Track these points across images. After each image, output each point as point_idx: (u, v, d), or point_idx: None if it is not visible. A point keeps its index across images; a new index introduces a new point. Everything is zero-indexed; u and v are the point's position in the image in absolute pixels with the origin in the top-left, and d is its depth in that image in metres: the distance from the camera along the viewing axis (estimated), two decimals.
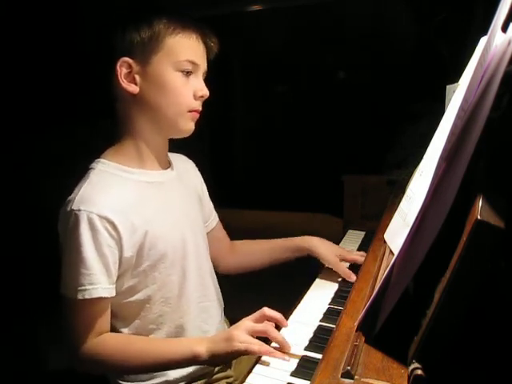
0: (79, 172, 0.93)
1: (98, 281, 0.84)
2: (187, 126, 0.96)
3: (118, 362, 0.87)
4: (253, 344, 0.80)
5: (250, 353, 0.81)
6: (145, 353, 0.87)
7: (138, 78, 0.91)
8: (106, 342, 0.87)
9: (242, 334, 0.82)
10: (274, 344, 0.85)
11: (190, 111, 0.95)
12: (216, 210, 1.20)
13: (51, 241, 0.91)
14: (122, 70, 0.91)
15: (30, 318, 2.01)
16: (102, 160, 0.94)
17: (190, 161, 1.17)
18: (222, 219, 1.21)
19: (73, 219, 0.84)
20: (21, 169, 2.29)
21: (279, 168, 2.83)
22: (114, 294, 0.88)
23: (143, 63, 0.91)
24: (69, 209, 0.85)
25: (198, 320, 1.01)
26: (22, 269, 2.17)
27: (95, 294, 0.84)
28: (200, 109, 0.97)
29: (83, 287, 0.83)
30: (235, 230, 1.23)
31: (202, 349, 0.83)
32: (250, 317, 0.88)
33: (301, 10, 2.55)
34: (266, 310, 0.88)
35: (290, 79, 2.87)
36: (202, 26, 0.97)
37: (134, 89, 0.91)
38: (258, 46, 2.69)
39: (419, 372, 0.53)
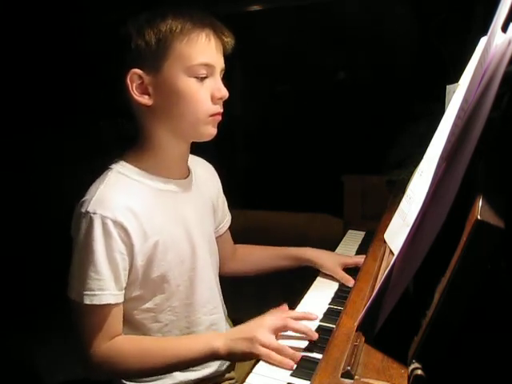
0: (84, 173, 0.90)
1: (107, 287, 0.82)
2: (208, 131, 0.90)
3: (133, 365, 0.84)
4: (274, 354, 0.78)
5: (270, 360, 0.78)
6: (161, 353, 0.84)
7: (150, 88, 0.86)
8: (120, 345, 0.84)
9: (265, 334, 0.80)
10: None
11: (210, 116, 0.89)
12: None
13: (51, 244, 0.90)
14: (133, 83, 0.85)
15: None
16: (121, 162, 0.90)
17: (211, 166, 1.13)
18: None
19: (87, 221, 0.81)
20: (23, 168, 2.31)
21: (279, 168, 2.83)
22: (121, 300, 0.85)
23: (154, 72, 0.85)
24: (84, 210, 0.82)
25: (209, 332, 0.99)
26: (22, 272, 2.17)
27: (104, 300, 0.82)
28: (221, 111, 0.90)
29: (91, 292, 0.81)
30: (235, 230, 1.22)
31: (220, 344, 0.81)
32: (271, 316, 0.85)
33: (301, 10, 2.55)
34: (290, 323, 0.84)
35: (290, 79, 2.87)
36: (211, 20, 0.89)
37: (147, 101, 0.86)
38: (258, 46, 2.69)
39: (419, 372, 0.53)
